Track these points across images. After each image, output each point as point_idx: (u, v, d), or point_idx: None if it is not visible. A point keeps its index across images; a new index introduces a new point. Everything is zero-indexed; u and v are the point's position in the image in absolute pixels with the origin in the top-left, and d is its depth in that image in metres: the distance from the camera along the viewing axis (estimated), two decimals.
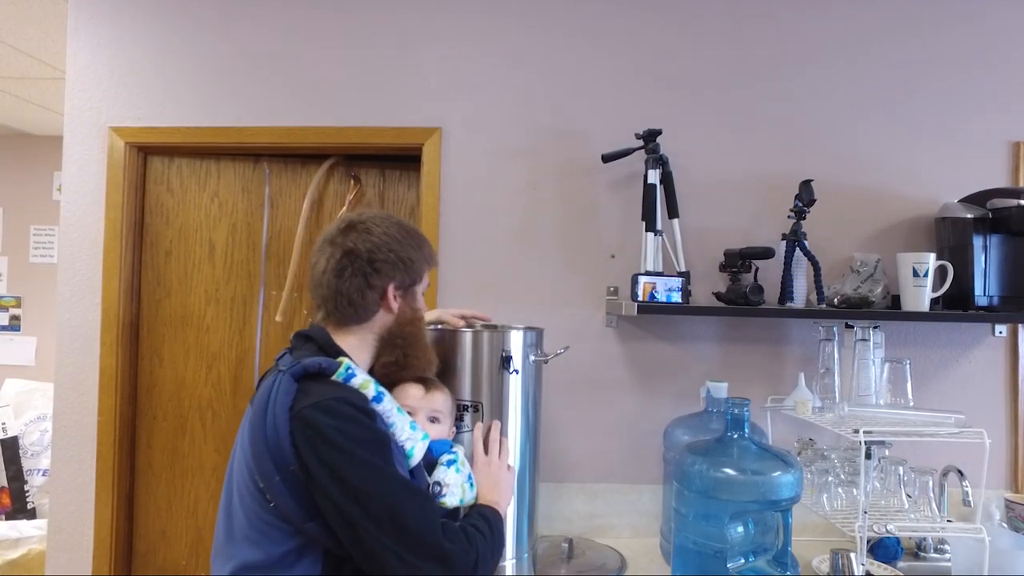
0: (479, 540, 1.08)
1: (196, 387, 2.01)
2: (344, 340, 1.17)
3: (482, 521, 1.13)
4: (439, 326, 1.39)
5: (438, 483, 1.14)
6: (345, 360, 1.09)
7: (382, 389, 1.11)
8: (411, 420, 1.14)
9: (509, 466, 1.31)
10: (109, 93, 1.95)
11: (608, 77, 1.92)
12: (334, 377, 1.07)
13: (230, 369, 2.02)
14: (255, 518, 1.04)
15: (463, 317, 1.48)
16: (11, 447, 3.45)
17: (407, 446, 1.10)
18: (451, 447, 1.22)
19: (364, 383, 1.09)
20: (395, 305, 1.18)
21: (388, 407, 1.10)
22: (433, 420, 1.23)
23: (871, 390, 1.67)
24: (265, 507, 1.03)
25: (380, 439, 1.04)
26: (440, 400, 1.25)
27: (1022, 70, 1.94)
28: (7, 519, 3.21)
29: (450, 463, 1.18)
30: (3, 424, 3.55)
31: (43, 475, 3.47)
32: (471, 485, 1.19)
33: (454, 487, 1.15)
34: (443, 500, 1.13)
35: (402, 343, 1.20)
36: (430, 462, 1.16)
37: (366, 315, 1.17)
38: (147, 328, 2.01)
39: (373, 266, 1.15)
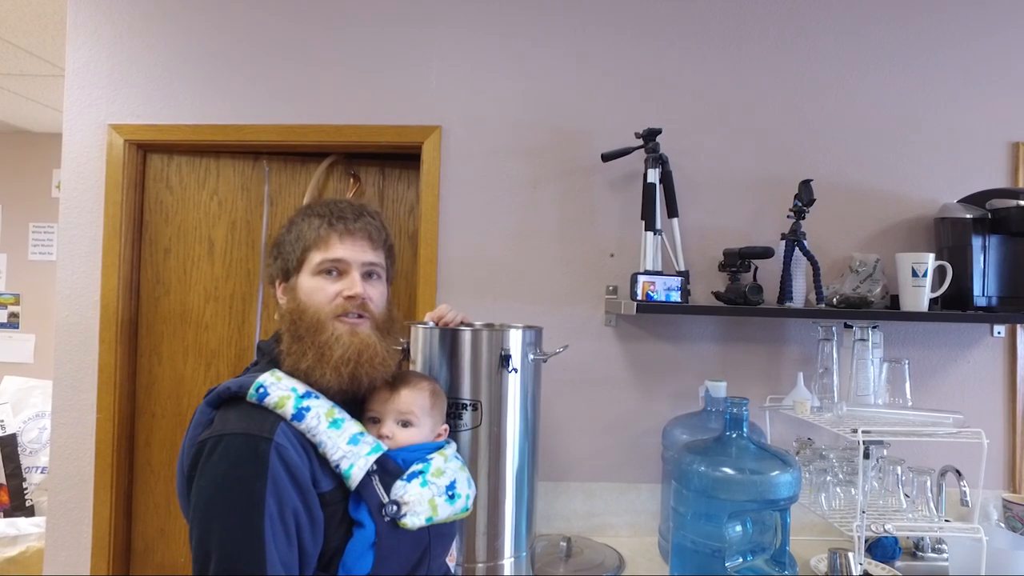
0: None
1: (195, 385, 2.01)
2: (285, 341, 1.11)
3: None
4: (431, 324, 1.38)
5: (395, 502, 0.99)
6: (261, 377, 0.99)
7: (308, 403, 0.99)
8: (356, 432, 1.01)
9: None
10: (109, 90, 1.94)
11: (608, 76, 1.92)
12: (248, 398, 0.97)
13: (229, 367, 2.02)
14: None
15: (440, 318, 1.38)
16: (9, 444, 3.45)
17: (343, 465, 0.97)
18: (431, 452, 1.09)
19: (280, 401, 0.97)
20: (283, 300, 1.11)
21: (313, 424, 0.97)
22: (405, 424, 1.09)
23: (870, 390, 1.68)
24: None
25: (248, 499, 0.90)
26: (407, 399, 1.10)
27: (1022, 70, 1.94)
28: (5, 516, 3.21)
29: (413, 476, 1.03)
30: (2, 421, 3.55)
31: (41, 473, 3.46)
32: (450, 498, 1.04)
33: (417, 504, 1.00)
34: (403, 521, 0.99)
35: (292, 337, 1.06)
36: (400, 474, 1.04)
37: (281, 314, 1.12)
38: (146, 326, 2.01)
39: (269, 266, 1.16)
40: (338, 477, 0.99)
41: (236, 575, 0.88)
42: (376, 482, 1.00)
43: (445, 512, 1.04)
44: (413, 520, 1.00)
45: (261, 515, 0.89)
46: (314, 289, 1.07)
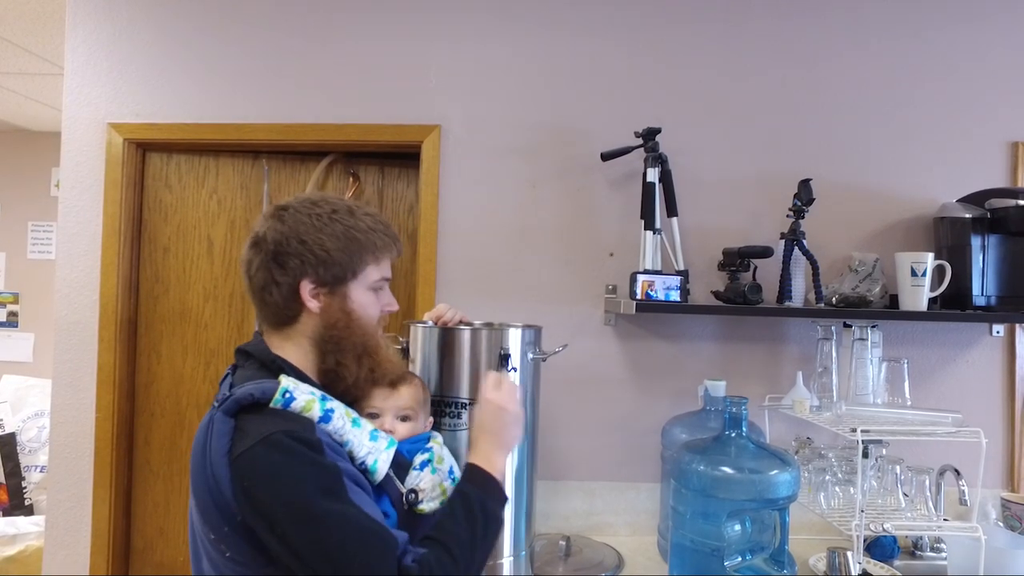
0: (446, 560, 0.91)
1: (194, 384, 2.01)
2: (282, 347, 1.06)
3: (456, 518, 0.96)
4: (430, 323, 1.38)
5: (412, 491, 1.05)
6: (283, 382, 0.96)
7: (330, 405, 0.98)
8: (372, 429, 1.03)
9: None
10: (108, 89, 1.94)
11: (608, 75, 1.92)
12: (272, 405, 0.94)
13: (228, 366, 2.01)
14: (217, 570, 0.96)
15: (438, 317, 1.38)
16: (8, 443, 3.45)
17: (368, 461, 0.99)
18: (427, 442, 1.16)
19: (307, 405, 0.96)
20: (314, 305, 1.03)
21: (339, 424, 0.98)
22: (404, 419, 1.16)
23: (869, 389, 1.68)
24: (224, 559, 0.94)
25: (327, 475, 0.90)
26: (406, 396, 1.17)
27: (1021, 70, 1.94)
28: (4, 515, 3.21)
29: (424, 464, 1.10)
30: (1, 420, 3.55)
31: (40, 472, 3.46)
32: (452, 481, 1.11)
33: (431, 491, 1.06)
34: (420, 507, 1.04)
35: (332, 349, 1.05)
36: (406, 465, 1.09)
37: (288, 316, 1.04)
38: (145, 325, 2.01)
39: (277, 259, 1.02)
40: (362, 471, 1.02)
41: (366, 552, 0.87)
42: (392, 474, 1.03)
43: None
44: (430, 505, 1.05)
45: (344, 487, 0.90)
46: (369, 304, 1.08)
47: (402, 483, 1.07)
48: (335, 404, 1.00)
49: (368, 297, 1.08)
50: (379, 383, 1.12)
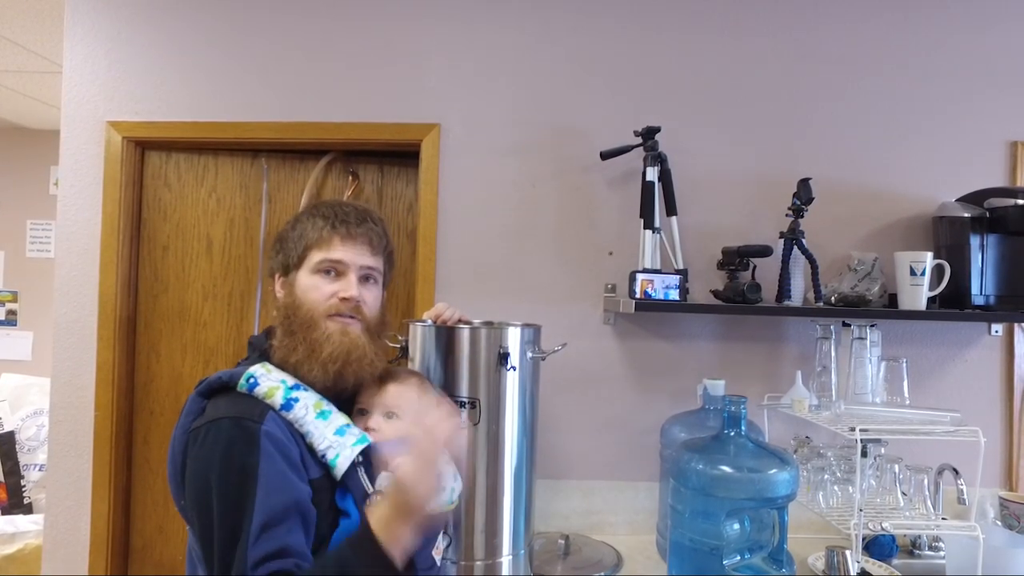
0: None
1: (193, 382, 1.96)
2: (278, 336, 1.13)
3: (323, 565, 0.90)
4: (429, 322, 1.38)
5: (379, 492, 1.00)
6: (252, 368, 1.02)
7: (297, 395, 1.01)
8: (343, 424, 1.03)
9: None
10: (107, 87, 1.94)
11: (607, 74, 1.92)
12: (238, 388, 1.01)
13: (227, 364, 2.00)
14: (190, 542, 1.03)
15: (437, 316, 1.38)
16: (7, 442, 3.44)
17: (329, 455, 0.99)
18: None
19: (270, 391, 1.00)
20: (280, 294, 1.14)
21: (300, 414, 1.00)
22: (391, 418, 1.11)
23: (868, 388, 1.68)
24: (190, 531, 1.01)
25: (238, 475, 0.92)
26: (393, 393, 1.12)
27: (1021, 70, 1.94)
28: (3, 514, 3.20)
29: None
30: (0, 419, 3.54)
31: (39, 470, 3.46)
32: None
33: None
34: None
35: (287, 331, 1.09)
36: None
37: (276, 308, 1.15)
38: (144, 323, 2.01)
39: (270, 254, 1.19)
40: (325, 466, 1.01)
41: (224, 553, 0.91)
42: (362, 473, 1.02)
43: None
44: None
45: (255, 487, 0.92)
46: (311, 287, 1.10)
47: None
48: (303, 394, 1.03)
49: (311, 280, 1.10)
50: (324, 364, 1.05)
